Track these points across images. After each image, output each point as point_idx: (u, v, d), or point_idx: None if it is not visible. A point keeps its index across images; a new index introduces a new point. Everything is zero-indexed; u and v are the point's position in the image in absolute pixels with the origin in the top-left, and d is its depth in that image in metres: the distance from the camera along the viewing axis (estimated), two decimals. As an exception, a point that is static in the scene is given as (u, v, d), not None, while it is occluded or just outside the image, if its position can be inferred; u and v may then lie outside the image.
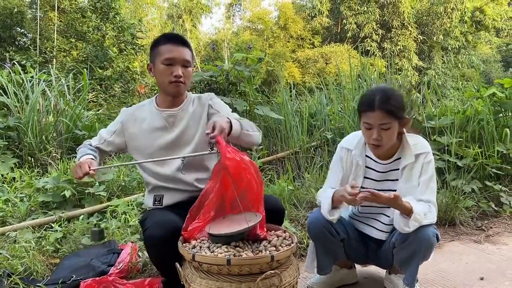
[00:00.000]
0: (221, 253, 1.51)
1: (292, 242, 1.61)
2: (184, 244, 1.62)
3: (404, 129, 1.81)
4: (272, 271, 1.46)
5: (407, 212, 1.66)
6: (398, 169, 1.82)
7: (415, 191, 1.76)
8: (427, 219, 1.70)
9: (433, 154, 3.45)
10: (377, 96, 1.69)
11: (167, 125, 1.87)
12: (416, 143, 1.81)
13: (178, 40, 1.84)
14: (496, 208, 3.31)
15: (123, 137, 1.92)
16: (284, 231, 1.73)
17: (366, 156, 1.90)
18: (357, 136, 1.92)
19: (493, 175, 3.54)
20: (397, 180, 1.83)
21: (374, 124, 1.71)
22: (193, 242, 1.65)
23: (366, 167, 1.89)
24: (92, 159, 1.78)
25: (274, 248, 1.57)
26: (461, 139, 3.66)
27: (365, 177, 1.89)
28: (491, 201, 3.34)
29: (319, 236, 1.87)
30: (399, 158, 1.81)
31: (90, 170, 1.68)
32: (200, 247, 1.60)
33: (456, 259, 2.51)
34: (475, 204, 3.25)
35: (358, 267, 2.23)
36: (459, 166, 3.46)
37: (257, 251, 1.55)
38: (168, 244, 1.63)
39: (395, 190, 1.77)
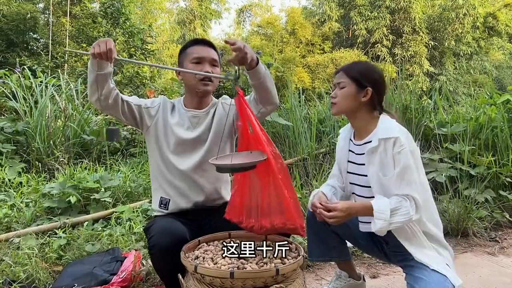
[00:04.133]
0: (224, 265, 1.46)
1: (299, 255, 1.55)
2: (187, 255, 1.57)
3: (384, 113, 1.75)
4: (277, 285, 1.40)
5: (371, 212, 1.58)
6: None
7: (392, 185, 1.63)
8: (397, 215, 1.56)
9: (445, 162, 3.47)
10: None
11: (190, 126, 1.90)
12: (385, 127, 1.69)
13: (204, 42, 1.92)
14: (510, 219, 3.22)
15: (152, 118, 1.89)
16: (291, 243, 1.67)
17: (350, 139, 1.86)
18: None
19: (507, 184, 3.44)
20: (364, 164, 1.74)
21: (335, 82, 1.77)
22: (196, 252, 1.61)
23: (349, 150, 1.85)
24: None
25: (279, 261, 1.52)
26: (474, 147, 3.58)
27: (348, 161, 1.85)
28: (505, 211, 3.24)
29: (310, 220, 1.85)
30: (371, 141, 1.71)
31: (113, 56, 1.59)
32: (204, 258, 1.55)
33: (469, 271, 2.42)
34: (489, 214, 3.16)
35: (368, 280, 2.16)
36: (472, 174, 3.37)
37: (262, 264, 1.50)
38: (172, 253, 1.58)
39: (366, 176, 1.72)
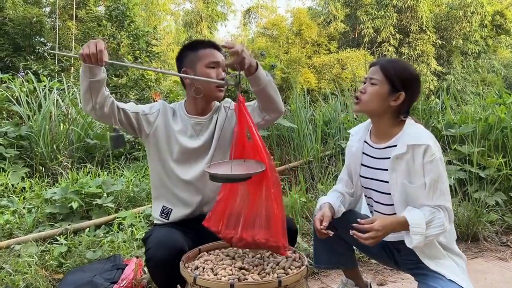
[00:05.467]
0: (225, 276, 1.41)
1: (303, 264, 1.50)
2: (186, 265, 1.52)
3: (409, 117, 1.68)
4: (279, 297, 1.35)
5: (405, 227, 1.51)
6: (389, 157, 1.65)
7: (421, 195, 1.57)
8: (432, 228, 1.51)
9: (454, 164, 3.39)
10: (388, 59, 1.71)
11: (193, 134, 1.82)
12: (413, 132, 1.61)
13: (214, 45, 1.81)
14: (522, 223, 3.13)
15: (151, 125, 1.80)
16: (294, 252, 1.61)
17: (365, 141, 1.78)
18: (366, 122, 1.82)
19: (518, 186, 3.35)
20: (387, 170, 1.66)
21: (367, 76, 1.67)
22: (196, 262, 1.56)
23: (363, 153, 1.77)
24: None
25: (282, 271, 1.46)
26: (484, 148, 3.49)
27: (362, 164, 1.77)
28: (517, 215, 3.16)
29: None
30: (395, 146, 1.64)
31: (104, 58, 1.52)
32: (203, 268, 1.50)
33: (480, 278, 2.35)
34: (500, 218, 3.07)
35: (374, 288, 2.10)
36: (481, 177, 3.29)
37: (264, 274, 1.44)
38: (170, 266, 1.53)
39: (387, 182, 1.64)
